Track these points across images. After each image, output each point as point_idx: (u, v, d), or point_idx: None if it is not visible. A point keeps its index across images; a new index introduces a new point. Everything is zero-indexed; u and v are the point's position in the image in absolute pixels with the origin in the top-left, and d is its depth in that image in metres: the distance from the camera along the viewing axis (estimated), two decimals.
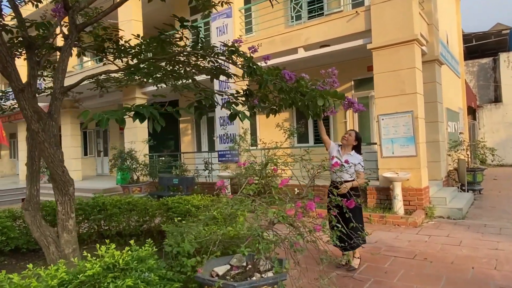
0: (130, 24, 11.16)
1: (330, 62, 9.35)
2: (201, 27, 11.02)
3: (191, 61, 4.15)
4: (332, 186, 4.19)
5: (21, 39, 4.37)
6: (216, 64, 4.00)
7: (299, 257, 2.60)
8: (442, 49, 9.15)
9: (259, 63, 3.53)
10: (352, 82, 9.56)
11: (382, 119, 6.96)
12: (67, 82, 3.80)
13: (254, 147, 9.75)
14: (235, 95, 3.64)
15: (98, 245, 2.63)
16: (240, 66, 3.46)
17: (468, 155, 9.69)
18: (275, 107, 3.89)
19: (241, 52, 3.51)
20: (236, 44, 3.66)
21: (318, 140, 10.21)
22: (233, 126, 8.90)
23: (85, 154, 16.97)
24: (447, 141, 9.50)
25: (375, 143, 7.34)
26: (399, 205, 6.49)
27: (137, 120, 9.19)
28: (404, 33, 6.66)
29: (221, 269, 2.60)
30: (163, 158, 10.52)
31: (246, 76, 3.56)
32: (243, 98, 3.74)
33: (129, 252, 2.62)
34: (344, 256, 4.27)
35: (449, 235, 5.46)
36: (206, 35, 10.12)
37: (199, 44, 3.66)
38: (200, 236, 2.35)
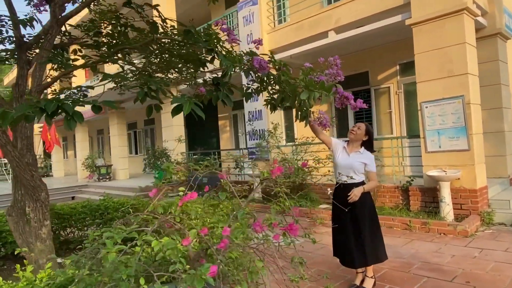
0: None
1: (370, 45, 8.34)
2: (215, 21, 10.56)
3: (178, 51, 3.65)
4: (338, 188, 3.47)
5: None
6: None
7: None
8: (508, 21, 7.62)
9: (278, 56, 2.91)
10: (398, 67, 8.41)
11: (426, 107, 5.89)
12: None
13: (291, 143, 9.08)
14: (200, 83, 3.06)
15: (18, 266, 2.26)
16: (204, 48, 2.88)
17: None
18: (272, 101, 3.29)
19: (210, 32, 2.92)
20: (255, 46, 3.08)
21: None
22: (261, 121, 8.31)
23: (136, 152, 17.54)
24: None
25: (419, 136, 6.26)
26: (447, 209, 5.42)
27: (173, 118, 8.72)
28: (450, 2, 5.52)
29: None
30: (196, 156, 10.28)
31: (219, 63, 2.98)
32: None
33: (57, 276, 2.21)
34: (357, 275, 3.53)
35: (508, 249, 4.35)
36: (235, 25, 9.62)
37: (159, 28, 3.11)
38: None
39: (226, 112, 12.55)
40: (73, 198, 12.46)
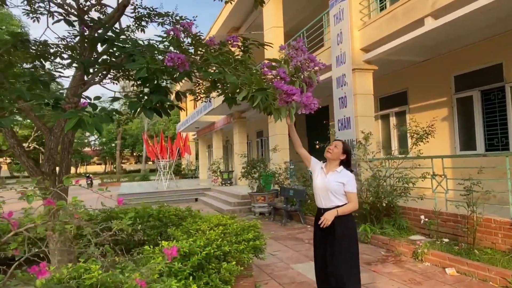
0: (270, 31, 11.10)
1: (503, 30, 6.41)
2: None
3: None
4: (319, 213, 3.10)
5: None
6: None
7: None
8: None
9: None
10: None
11: None
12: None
13: (384, 157, 7.67)
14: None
15: None
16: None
17: None
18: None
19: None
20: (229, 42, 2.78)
21: (492, 145, 7.06)
22: (349, 130, 7.31)
23: None
24: None
25: None
26: None
27: (277, 127, 9.11)
28: None
29: None
30: (292, 167, 9.84)
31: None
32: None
33: None
34: None
35: None
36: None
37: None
38: None
39: (332, 120, 11.66)
40: (196, 200, 13.77)
